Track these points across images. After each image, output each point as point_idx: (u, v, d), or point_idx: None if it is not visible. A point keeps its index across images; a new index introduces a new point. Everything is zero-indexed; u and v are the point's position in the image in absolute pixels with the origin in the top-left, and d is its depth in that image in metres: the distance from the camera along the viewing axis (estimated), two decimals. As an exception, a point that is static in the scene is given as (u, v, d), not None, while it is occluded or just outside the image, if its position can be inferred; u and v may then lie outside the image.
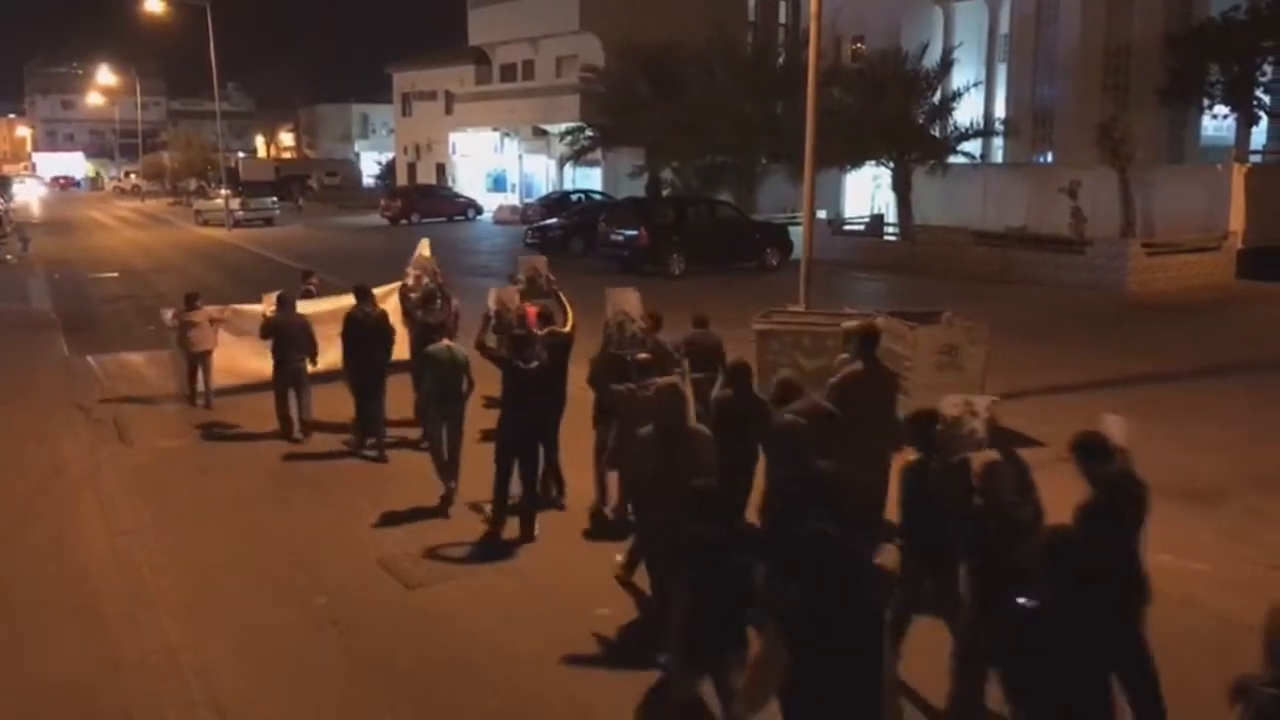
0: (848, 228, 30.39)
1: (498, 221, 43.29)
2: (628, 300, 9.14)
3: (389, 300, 12.49)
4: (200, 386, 12.95)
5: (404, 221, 42.72)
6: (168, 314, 13.38)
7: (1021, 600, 4.17)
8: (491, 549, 8.31)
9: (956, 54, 30.06)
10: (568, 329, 9.27)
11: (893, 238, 28.82)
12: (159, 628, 7.09)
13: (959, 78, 29.55)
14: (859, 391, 7.37)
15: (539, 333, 9.24)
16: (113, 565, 8.18)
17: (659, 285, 21.36)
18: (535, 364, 8.41)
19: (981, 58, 33.22)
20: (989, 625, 4.80)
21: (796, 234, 21.08)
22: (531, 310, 10.14)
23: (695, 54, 32.16)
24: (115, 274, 27.78)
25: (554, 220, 33.86)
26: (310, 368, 11.59)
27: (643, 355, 8.04)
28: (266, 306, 12.17)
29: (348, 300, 11.68)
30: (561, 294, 10.11)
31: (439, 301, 11.19)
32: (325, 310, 12.68)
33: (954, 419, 5.77)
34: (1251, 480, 9.75)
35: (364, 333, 10.78)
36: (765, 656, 4.19)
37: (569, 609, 7.24)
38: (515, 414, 8.36)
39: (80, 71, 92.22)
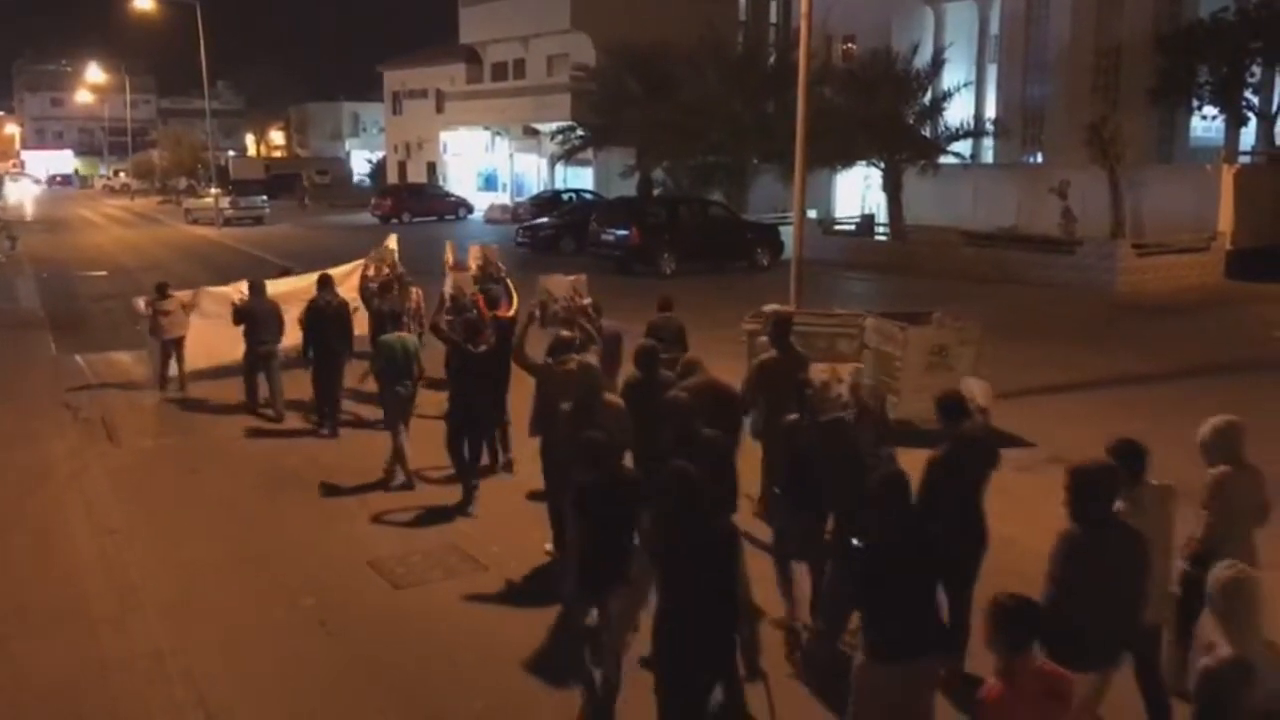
0: (838, 228, 30.45)
1: (489, 221, 43.20)
2: (555, 284, 9.52)
3: (350, 279, 13.42)
4: (173, 372, 13.32)
5: (394, 220, 42.59)
6: (140, 302, 13.67)
7: (855, 541, 4.86)
8: (484, 549, 8.28)
9: (947, 54, 30.17)
10: (511, 313, 9.96)
11: (883, 238, 28.88)
12: (146, 628, 7.07)
13: (949, 78, 29.62)
14: (775, 375, 7.95)
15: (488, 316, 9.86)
16: (100, 566, 8.14)
17: (650, 284, 21.34)
18: (484, 348, 9.06)
19: (972, 58, 33.30)
20: (843, 565, 5.46)
21: (787, 234, 21.13)
22: (479, 296, 10.69)
23: (686, 53, 32.10)
24: (104, 272, 27.66)
25: (545, 219, 33.75)
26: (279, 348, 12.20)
27: (565, 333, 8.55)
28: (235, 292, 12.84)
29: (313, 279, 12.33)
30: (509, 280, 10.86)
31: (395, 289, 12.10)
32: (293, 290, 13.16)
33: (823, 384, 6.62)
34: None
35: (324, 321, 11.47)
36: (634, 577, 4.86)
37: (556, 609, 7.20)
38: (461, 395, 8.99)
39: (69, 69, 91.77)
